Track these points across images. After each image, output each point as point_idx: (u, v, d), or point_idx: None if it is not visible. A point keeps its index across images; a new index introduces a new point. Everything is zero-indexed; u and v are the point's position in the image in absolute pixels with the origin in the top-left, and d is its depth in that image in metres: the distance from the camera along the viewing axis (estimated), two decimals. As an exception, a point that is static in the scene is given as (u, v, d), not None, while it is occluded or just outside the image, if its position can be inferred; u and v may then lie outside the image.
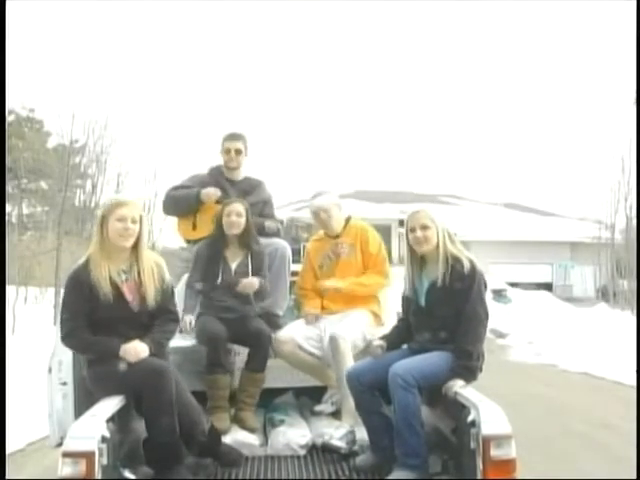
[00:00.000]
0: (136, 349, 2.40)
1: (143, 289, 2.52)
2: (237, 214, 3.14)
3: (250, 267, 3.18)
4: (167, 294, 2.62)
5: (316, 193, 3.42)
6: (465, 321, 2.51)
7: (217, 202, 3.45)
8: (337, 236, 3.33)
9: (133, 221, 2.49)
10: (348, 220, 3.39)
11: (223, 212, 3.17)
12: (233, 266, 3.18)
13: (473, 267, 2.55)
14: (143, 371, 2.37)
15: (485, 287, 2.58)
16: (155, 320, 2.57)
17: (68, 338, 2.48)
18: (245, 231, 3.17)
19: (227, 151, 3.56)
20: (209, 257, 3.17)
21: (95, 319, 2.45)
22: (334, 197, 3.39)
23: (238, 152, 3.57)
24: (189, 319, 3.06)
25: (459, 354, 2.48)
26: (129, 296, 2.50)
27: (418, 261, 2.69)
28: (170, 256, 3.48)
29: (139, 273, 2.53)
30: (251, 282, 3.09)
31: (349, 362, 2.89)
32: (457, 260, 2.56)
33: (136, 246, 2.54)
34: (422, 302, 2.65)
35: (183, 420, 2.41)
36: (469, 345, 2.49)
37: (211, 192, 3.44)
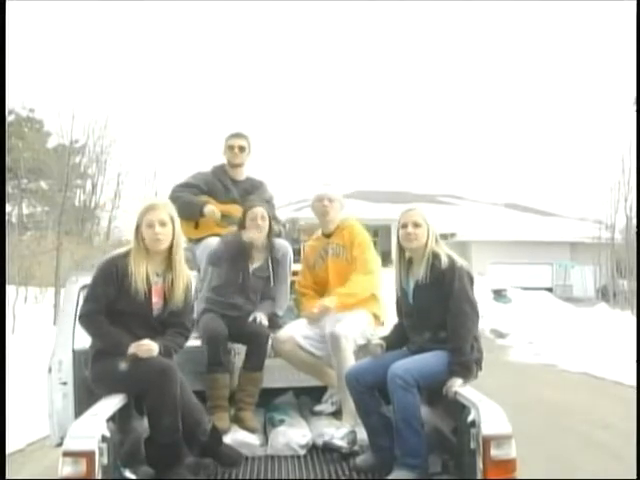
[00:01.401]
0: (148, 346, 2.42)
1: (172, 295, 2.54)
2: (262, 218, 3.17)
3: (272, 272, 3.24)
4: (187, 308, 2.66)
5: (326, 183, 3.46)
6: (452, 318, 2.52)
7: (222, 202, 3.51)
8: (329, 235, 3.35)
9: (162, 224, 2.50)
10: (343, 221, 3.39)
11: (247, 216, 3.19)
12: (251, 268, 3.20)
13: (452, 262, 2.56)
14: (149, 369, 2.37)
15: (470, 281, 2.58)
16: (167, 329, 2.59)
17: (85, 318, 2.50)
18: (268, 235, 3.22)
19: (231, 148, 3.60)
20: (232, 258, 3.17)
21: (114, 309, 2.47)
22: (341, 193, 3.42)
23: (242, 149, 3.61)
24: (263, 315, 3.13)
25: (452, 352, 2.49)
26: (155, 298, 2.53)
27: (406, 261, 2.72)
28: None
29: (172, 278, 2.55)
30: (262, 317, 3.12)
31: (350, 360, 2.89)
32: (436, 257, 2.58)
33: (171, 250, 2.55)
34: (411, 302, 2.66)
35: (186, 420, 2.42)
36: (459, 341, 2.49)
37: (215, 211, 3.47)
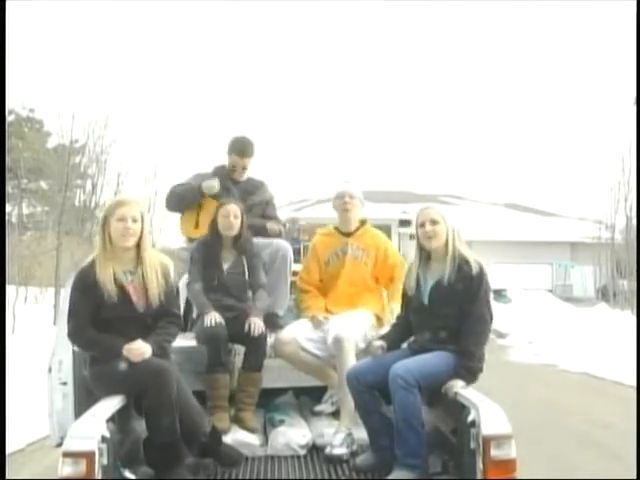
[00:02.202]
0: (140, 349, 2.41)
1: (148, 289, 2.53)
2: (234, 215, 3.14)
3: (246, 268, 3.19)
4: (171, 296, 2.64)
5: (346, 180, 3.43)
6: (470, 323, 2.51)
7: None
8: (349, 234, 3.31)
9: (134, 220, 2.50)
10: (363, 223, 3.37)
11: (218, 213, 3.17)
12: (225, 267, 3.19)
13: (481, 269, 2.56)
14: (145, 371, 2.37)
15: (490, 289, 2.59)
16: (158, 322, 2.58)
17: (73, 336, 2.51)
18: (240, 233, 3.18)
19: (234, 165, 3.55)
20: (205, 258, 3.17)
21: (100, 318, 2.46)
22: (360, 191, 3.38)
23: (244, 169, 3.57)
24: (213, 315, 2.97)
25: (461, 354, 2.49)
26: (134, 297, 2.52)
27: (425, 259, 2.70)
28: (170, 256, 3.48)
29: (143, 273, 2.54)
30: (257, 325, 2.98)
31: (352, 363, 2.88)
32: (465, 261, 2.57)
33: (140, 246, 2.55)
34: (425, 300, 2.64)
35: (184, 421, 2.42)
36: (472, 346, 2.49)
37: (213, 184, 3.43)
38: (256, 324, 2.97)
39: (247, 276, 3.20)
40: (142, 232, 2.54)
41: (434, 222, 2.61)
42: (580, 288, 24.42)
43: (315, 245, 3.42)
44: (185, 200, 3.51)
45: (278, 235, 3.56)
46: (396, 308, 3.02)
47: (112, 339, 2.44)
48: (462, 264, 2.56)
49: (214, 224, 3.19)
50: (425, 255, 2.70)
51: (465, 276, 2.54)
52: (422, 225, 2.64)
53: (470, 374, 2.48)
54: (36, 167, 22.76)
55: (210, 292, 3.13)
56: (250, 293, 3.24)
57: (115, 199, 2.61)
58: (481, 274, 2.55)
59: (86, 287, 2.46)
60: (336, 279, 3.28)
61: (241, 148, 3.55)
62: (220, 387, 2.94)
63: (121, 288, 2.48)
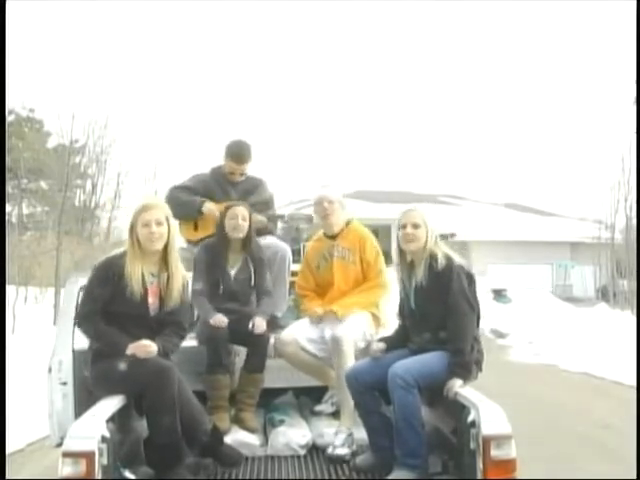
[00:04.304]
0: (148, 347, 2.43)
1: (168, 295, 2.55)
2: (242, 218, 3.10)
3: (253, 273, 3.16)
4: (184, 309, 2.67)
5: (324, 184, 3.41)
6: (451, 318, 2.51)
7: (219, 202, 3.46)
8: (334, 237, 3.30)
9: (158, 223, 2.51)
10: (348, 223, 3.36)
11: (226, 215, 3.12)
12: (232, 272, 3.15)
13: (449, 262, 2.55)
14: (147, 370, 2.38)
15: (470, 281, 2.57)
16: (165, 329, 2.59)
17: (83, 321, 2.53)
18: (248, 235, 3.15)
19: (232, 171, 3.52)
20: (210, 262, 3.13)
21: (111, 310, 2.48)
22: (340, 193, 3.36)
23: (242, 174, 3.55)
24: (219, 319, 2.92)
25: (452, 353, 2.48)
26: (151, 298, 2.54)
27: (407, 263, 2.70)
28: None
29: (168, 278, 2.56)
30: (260, 324, 2.98)
31: (351, 362, 2.88)
32: (434, 258, 2.57)
33: (166, 250, 2.56)
34: (412, 304, 2.66)
35: (185, 420, 2.42)
36: (459, 342, 2.49)
37: (214, 209, 3.40)
38: (259, 323, 2.97)
39: (253, 282, 3.18)
40: (169, 235, 2.55)
41: (415, 226, 2.62)
42: (580, 288, 24.38)
43: (307, 252, 3.43)
44: (183, 213, 3.45)
45: (269, 232, 3.55)
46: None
47: (119, 335, 2.46)
48: (432, 262, 2.57)
49: (221, 227, 3.15)
50: (406, 258, 2.71)
51: (435, 273, 2.55)
52: (404, 227, 2.64)
53: (464, 370, 2.47)
54: (36, 167, 22.77)
55: (215, 297, 3.09)
56: (254, 297, 3.22)
57: (141, 204, 2.60)
58: (450, 267, 2.54)
59: (111, 277, 2.48)
60: (328, 281, 3.27)
61: (238, 154, 3.50)
62: (221, 387, 2.95)
63: (143, 288, 2.50)
